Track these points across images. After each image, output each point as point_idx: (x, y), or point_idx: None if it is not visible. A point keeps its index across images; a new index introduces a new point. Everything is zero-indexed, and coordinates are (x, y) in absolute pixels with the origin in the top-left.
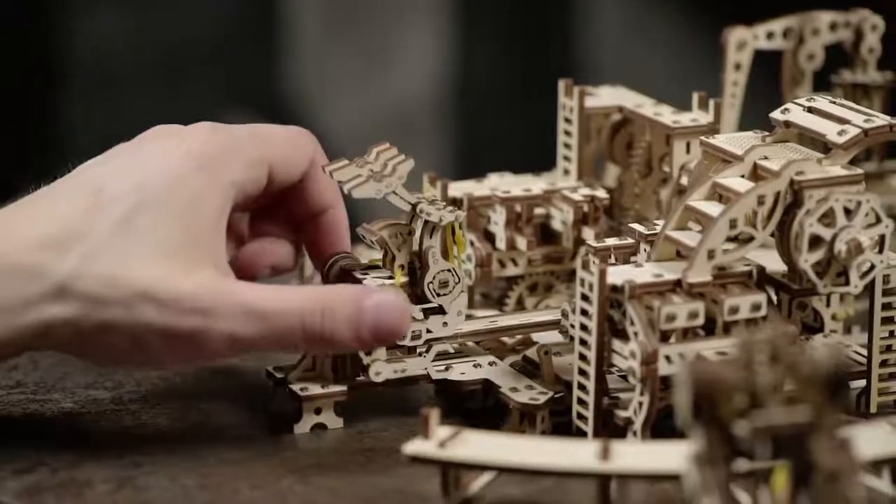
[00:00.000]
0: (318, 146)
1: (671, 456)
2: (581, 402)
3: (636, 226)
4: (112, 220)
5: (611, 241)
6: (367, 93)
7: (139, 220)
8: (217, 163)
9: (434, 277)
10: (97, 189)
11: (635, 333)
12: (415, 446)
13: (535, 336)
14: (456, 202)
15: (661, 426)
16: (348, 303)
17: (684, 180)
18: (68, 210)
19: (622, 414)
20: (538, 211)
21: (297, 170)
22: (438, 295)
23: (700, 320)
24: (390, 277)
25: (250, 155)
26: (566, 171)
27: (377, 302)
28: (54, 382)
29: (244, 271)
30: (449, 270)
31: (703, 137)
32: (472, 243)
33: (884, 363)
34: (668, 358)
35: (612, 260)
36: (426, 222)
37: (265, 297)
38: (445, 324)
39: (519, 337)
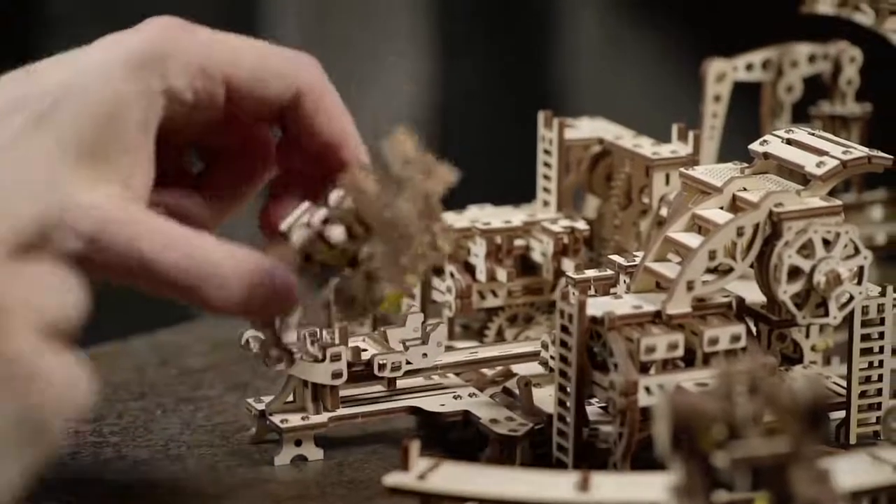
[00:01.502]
0: (318, 77)
1: (651, 487)
2: (561, 433)
3: (616, 257)
4: (27, 114)
5: (590, 273)
6: None
7: (54, 116)
8: (152, 65)
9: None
10: (29, 72)
11: (615, 365)
12: (395, 478)
13: (515, 367)
14: None
15: (641, 457)
16: (245, 283)
17: (664, 212)
18: None
19: (602, 445)
20: (518, 242)
21: (274, 93)
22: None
23: (679, 351)
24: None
25: (197, 61)
26: (546, 203)
27: (281, 284)
28: None
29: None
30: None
31: (682, 169)
32: (452, 275)
33: (863, 394)
34: (647, 389)
35: (592, 291)
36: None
37: (160, 241)
38: (425, 355)
39: (499, 368)
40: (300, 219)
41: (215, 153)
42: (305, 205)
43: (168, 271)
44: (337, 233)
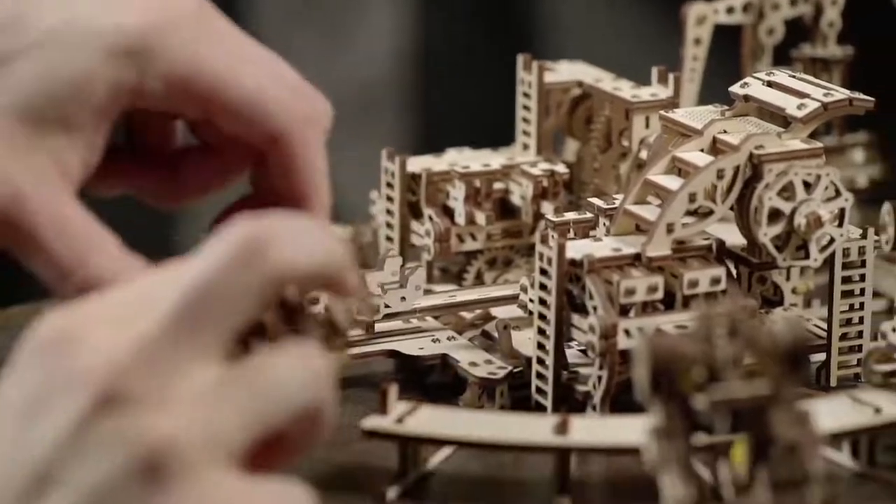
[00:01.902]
0: (305, 125)
1: (630, 430)
2: (540, 376)
3: (595, 200)
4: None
5: (570, 216)
6: (325, 70)
7: (17, 63)
8: (135, 56)
9: None
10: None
11: (594, 308)
12: (372, 421)
13: (494, 311)
14: (415, 177)
15: (621, 400)
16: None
17: (644, 155)
18: None
19: (581, 388)
20: (497, 186)
21: (253, 135)
22: None
23: (659, 294)
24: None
25: (182, 71)
26: (525, 146)
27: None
28: None
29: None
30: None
31: (662, 112)
32: (430, 218)
33: (844, 336)
34: (627, 332)
35: (571, 234)
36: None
37: (55, 229)
38: (404, 298)
39: (478, 311)
40: None
41: (197, 140)
42: None
43: (52, 260)
44: None
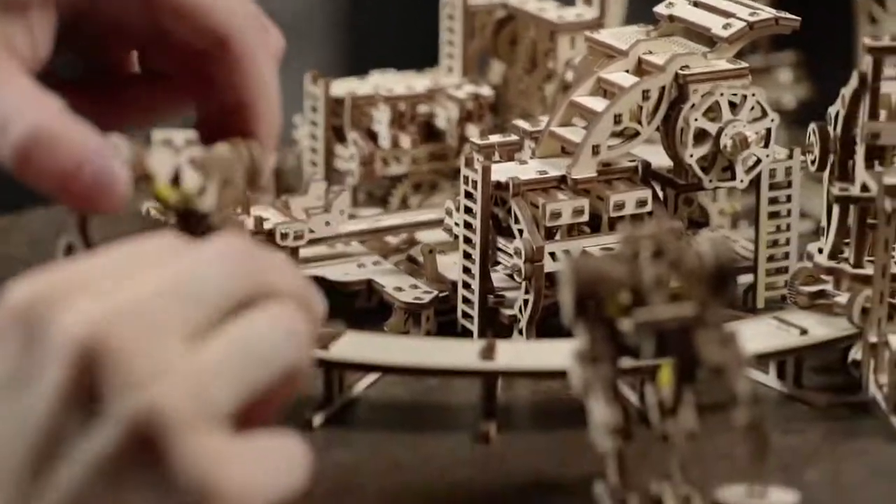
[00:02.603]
0: (253, 35)
1: (557, 354)
2: (466, 300)
3: (521, 123)
4: None
5: (495, 139)
6: None
7: None
8: None
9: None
10: None
11: (520, 231)
12: None
13: (420, 235)
14: (339, 101)
15: (548, 324)
16: (72, 151)
17: (569, 76)
18: None
19: (507, 312)
20: (422, 109)
21: (201, 29)
22: None
23: (585, 217)
24: None
25: None
26: (450, 69)
27: (98, 170)
28: None
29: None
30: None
31: (587, 33)
32: (355, 142)
33: (770, 258)
34: (553, 255)
35: (497, 157)
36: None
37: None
38: (328, 223)
39: (403, 236)
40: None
41: (155, 66)
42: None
43: None
44: (191, 179)
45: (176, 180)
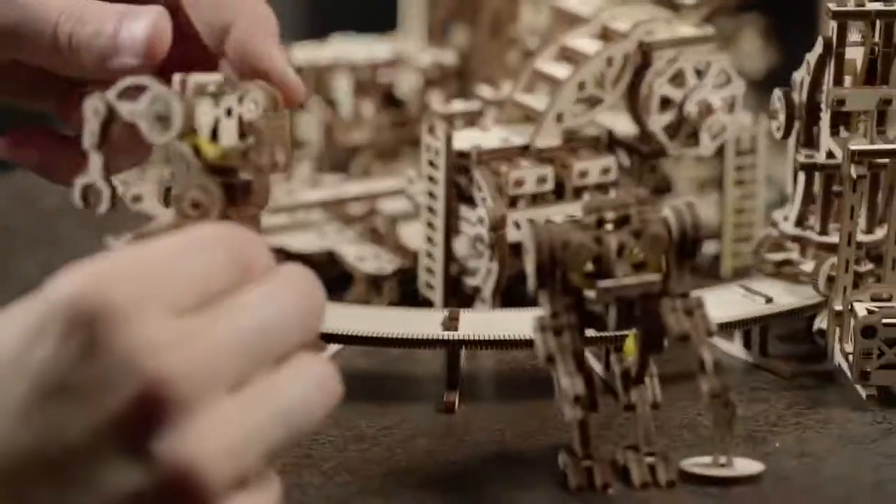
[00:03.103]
0: (253, 12)
1: (521, 323)
2: (429, 270)
3: (484, 90)
4: None
5: (457, 106)
6: None
7: None
8: None
9: None
10: None
11: (483, 199)
12: None
13: (382, 204)
14: (300, 69)
15: (512, 293)
16: (107, 20)
17: (533, 43)
18: None
19: (471, 282)
20: (384, 77)
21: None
22: None
23: (549, 185)
24: None
25: None
26: (412, 34)
27: (134, 30)
28: None
29: None
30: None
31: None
32: (316, 111)
33: (736, 226)
34: (516, 224)
35: (459, 125)
36: None
37: None
38: (290, 192)
39: (365, 205)
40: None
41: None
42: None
43: None
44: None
45: (215, 134)
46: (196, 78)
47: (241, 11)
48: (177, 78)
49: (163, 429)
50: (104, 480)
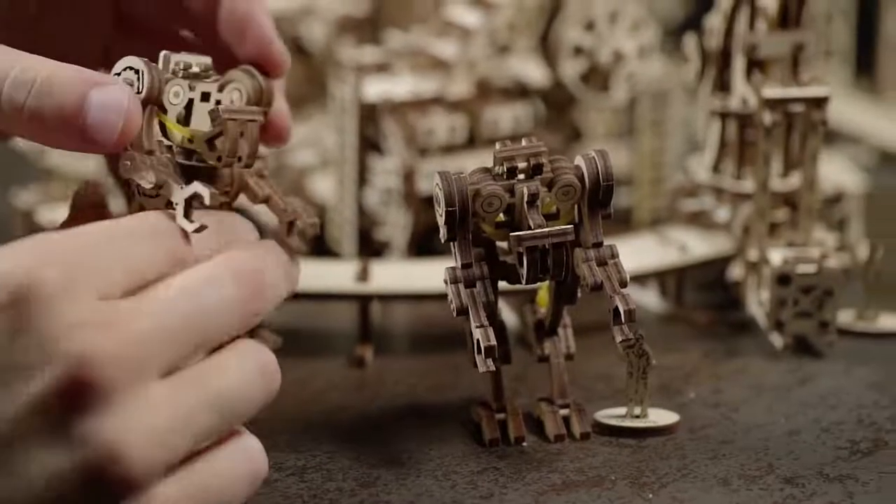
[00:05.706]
0: None
1: (433, 276)
2: (338, 222)
3: (395, 38)
4: None
5: (368, 56)
6: None
7: None
8: None
9: None
10: None
11: (393, 149)
12: None
13: (290, 157)
14: None
15: (424, 245)
16: (73, 85)
17: None
18: None
19: (382, 234)
20: (293, 28)
21: None
22: None
23: (461, 134)
24: None
25: None
26: None
27: (103, 100)
28: None
29: None
30: None
31: None
32: None
33: (650, 174)
34: (427, 174)
35: (370, 75)
36: None
37: None
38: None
39: (273, 158)
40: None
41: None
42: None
43: None
44: (201, 118)
45: (187, 116)
46: (182, 57)
47: None
48: (163, 53)
49: (87, 411)
50: (27, 462)
